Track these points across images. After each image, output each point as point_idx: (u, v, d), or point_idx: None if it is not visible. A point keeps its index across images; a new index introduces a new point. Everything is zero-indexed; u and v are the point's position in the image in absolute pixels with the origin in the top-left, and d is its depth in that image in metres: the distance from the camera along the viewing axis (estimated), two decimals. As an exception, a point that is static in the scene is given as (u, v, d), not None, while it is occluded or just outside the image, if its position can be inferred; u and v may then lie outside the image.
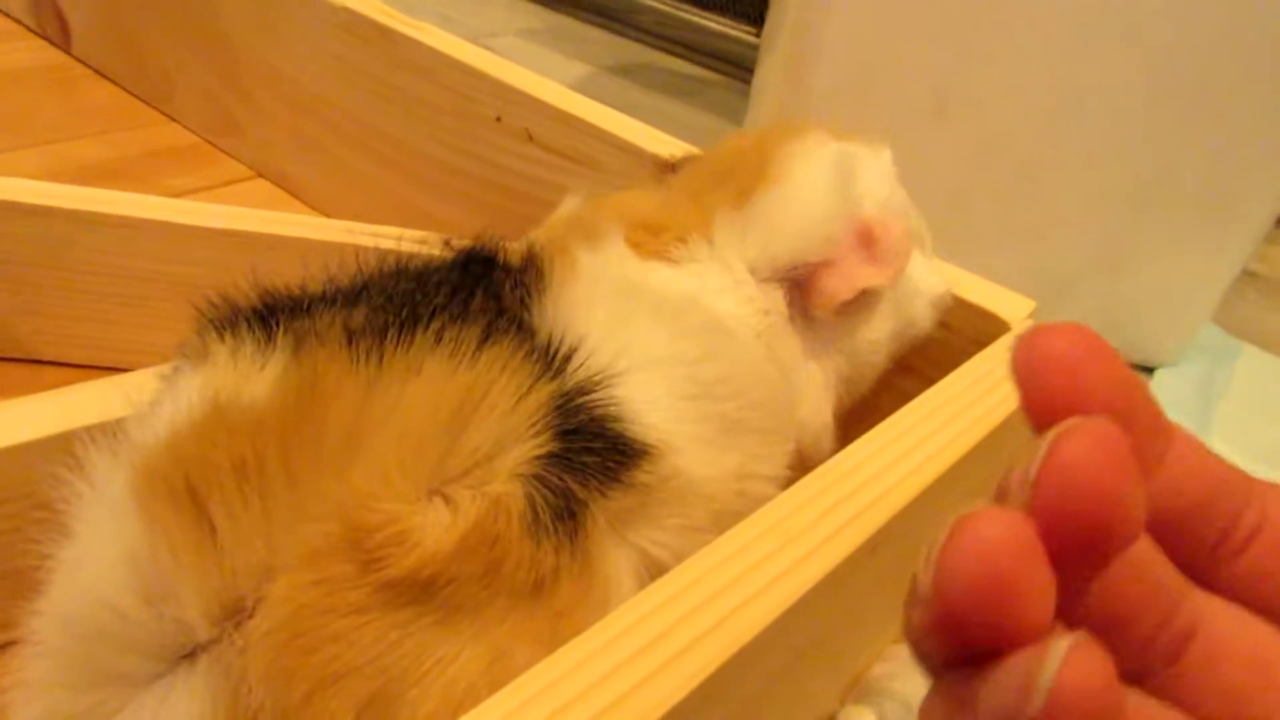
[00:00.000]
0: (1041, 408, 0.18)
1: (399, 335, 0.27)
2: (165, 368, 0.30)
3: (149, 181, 0.73)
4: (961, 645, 0.17)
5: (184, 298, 0.48)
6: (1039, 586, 0.16)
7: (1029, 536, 0.16)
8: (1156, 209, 0.95)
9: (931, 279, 0.42)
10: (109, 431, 0.27)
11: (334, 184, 0.70)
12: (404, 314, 0.28)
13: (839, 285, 0.38)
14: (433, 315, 0.28)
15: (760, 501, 0.28)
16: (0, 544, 0.32)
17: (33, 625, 0.25)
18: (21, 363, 0.50)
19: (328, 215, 0.71)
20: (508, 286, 0.31)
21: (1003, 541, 0.16)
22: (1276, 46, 0.84)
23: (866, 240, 0.38)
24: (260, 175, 0.76)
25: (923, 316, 0.42)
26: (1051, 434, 0.17)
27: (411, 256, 0.32)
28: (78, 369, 0.51)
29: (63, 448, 0.26)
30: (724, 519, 0.29)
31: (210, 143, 0.79)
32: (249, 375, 0.26)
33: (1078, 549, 0.17)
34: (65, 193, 0.46)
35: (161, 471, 0.24)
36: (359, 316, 0.28)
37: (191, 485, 0.24)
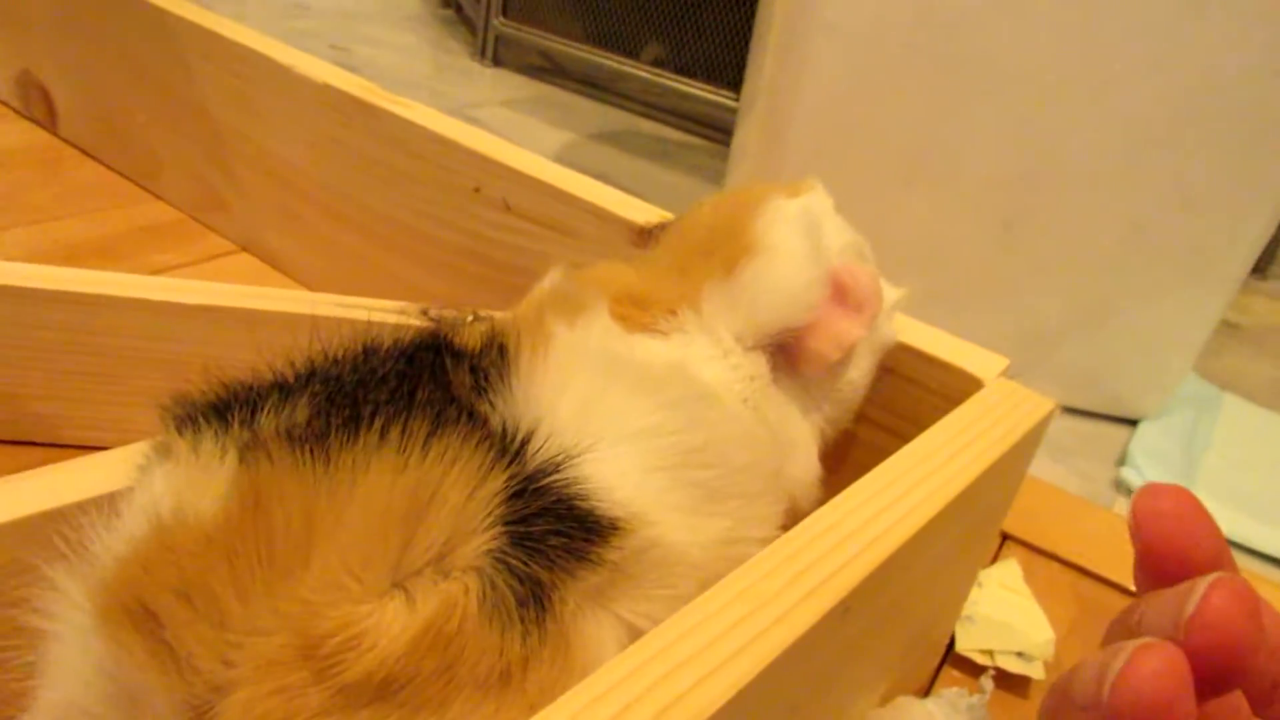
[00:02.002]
0: (1158, 556, 0.25)
1: (343, 435, 0.26)
2: (141, 452, 0.30)
3: (135, 258, 0.74)
4: None
5: (163, 374, 0.48)
6: (1188, 711, 0.20)
7: (1186, 672, 0.21)
8: (1133, 264, 0.96)
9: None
10: (88, 510, 0.27)
11: (317, 257, 0.71)
12: (347, 412, 0.27)
13: (827, 347, 0.39)
14: (376, 411, 0.27)
15: None
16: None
17: None
18: None
19: (311, 288, 0.72)
20: (459, 373, 0.31)
21: (1170, 673, 0.20)
22: (1242, 103, 0.86)
23: (841, 293, 0.40)
24: (245, 250, 0.77)
25: (890, 333, 0.44)
26: (1202, 586, 0.22)
27: (364, 340, 0.32)
28: (56, 448, 0.51)
29: (43, 528, 0.26)
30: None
31: (196, 219, 0.80)
32: (203, 482, 0.26)
33: (1215, 680, 0.21)
34: (40, 273, 0.46)
35: (117, 592, 0.24)
36: (302, 416, 0.27)
37: (146, 606, 0.24)
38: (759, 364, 0.39)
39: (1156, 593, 0.24)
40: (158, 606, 0.24)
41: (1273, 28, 0.81)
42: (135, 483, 0.28)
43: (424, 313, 0.50)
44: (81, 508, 0.27)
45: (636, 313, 0.38)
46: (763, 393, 0.38)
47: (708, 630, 0.24)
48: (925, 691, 0.49)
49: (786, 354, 0.40)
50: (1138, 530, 0.25)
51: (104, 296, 0.46)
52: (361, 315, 0.47)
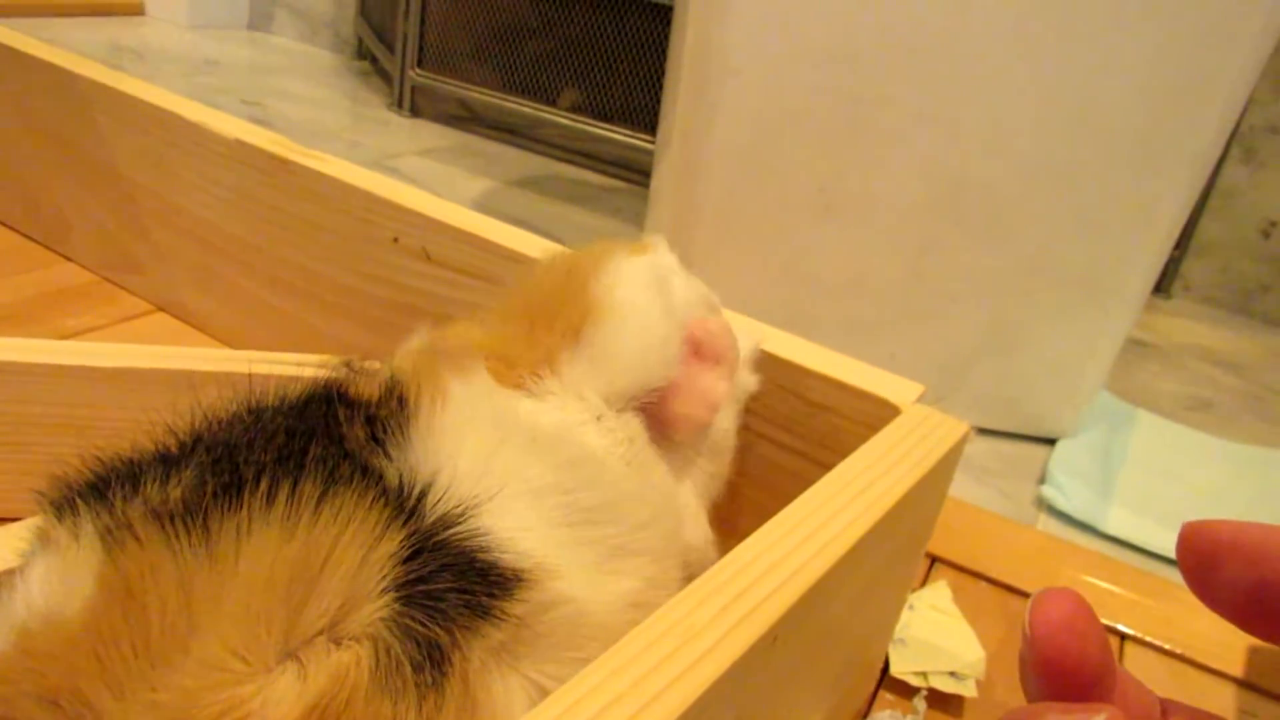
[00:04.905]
0: (1054, 668, 0.25)
1: (224, 502, 0.25)
2: (33, 530, 0.29)
3: (47, 323, 0.72)
4: None
5: (72, 441, 0.47)
6: None
7: None
8: (1039, 289, 0.99)
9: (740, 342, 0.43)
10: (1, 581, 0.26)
11: (235, 314, 0.70)
12: (227, 477, 0.26)
13: (696, 409, 0.38)
14: (261, 473, 0.26)
15: None
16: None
17: None
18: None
19: (232, 346, 0.71)
20: (353, 426, 0.30)
21: None
22: (1127, 130, 0.90)
23: (697, 349, 0.39)
24: (161, 309, 0.76)
25: (750, 381, 0.43)
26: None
27: (249, 397, 0.31)
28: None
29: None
30: None
31: (109, 280, 0.78)
32: (78, 573, 0.25)
33: None
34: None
35: None
36: (177, 490, 0.26)
37: (9, 718, 0.23)
38: (634, 425, 0.37)
39: (1045, 712, 0.24)
40: (21, 716, 0.23)
41: (1148, 57, 0.85)
42: (16, 576, 0.26)
43: (347, 365, 0.49)
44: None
45: (505, 370, 0.36)
46: (644, 455, 0.37)
47: (638, 666, 0.24)
48: (863, 715, 0.49)
49: (654, 418, 0.39)
50: (1034, 641, 0.25)
51: (12, 363, 0.45)
52: (284, 370, 0.46)
